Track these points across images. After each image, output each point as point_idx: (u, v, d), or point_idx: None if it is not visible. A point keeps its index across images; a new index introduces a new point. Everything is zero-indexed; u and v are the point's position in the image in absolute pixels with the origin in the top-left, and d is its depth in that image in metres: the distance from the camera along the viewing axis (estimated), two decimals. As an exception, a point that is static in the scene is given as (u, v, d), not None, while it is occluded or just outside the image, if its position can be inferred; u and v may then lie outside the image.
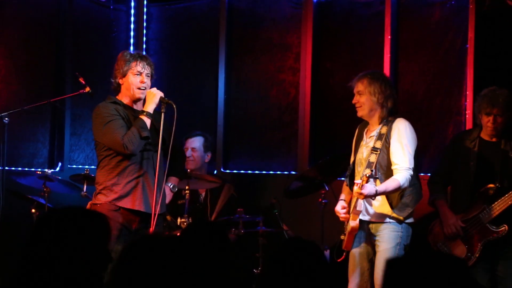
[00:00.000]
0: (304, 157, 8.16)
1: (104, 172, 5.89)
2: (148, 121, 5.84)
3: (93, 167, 8.30)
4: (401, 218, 5.85)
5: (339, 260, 6.06)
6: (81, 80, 6.52)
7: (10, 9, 7.92)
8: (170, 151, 6.04)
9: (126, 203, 5.80)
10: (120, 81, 5.98)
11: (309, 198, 7.39)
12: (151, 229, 5.70)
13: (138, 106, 6.00)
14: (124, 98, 5.99)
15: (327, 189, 6.89)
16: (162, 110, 5.88)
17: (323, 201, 6.82)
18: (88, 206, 5.97)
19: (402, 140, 5.85)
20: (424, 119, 7.68)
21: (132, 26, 8.74)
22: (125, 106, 5.96)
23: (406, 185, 5.77)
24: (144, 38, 8.76)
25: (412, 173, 5.81)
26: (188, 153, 7.74)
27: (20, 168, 7.87)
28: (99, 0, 8.58)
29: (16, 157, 7.85)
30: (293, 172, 8.21)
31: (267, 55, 8.46)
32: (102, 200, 5.83)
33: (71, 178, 7.39)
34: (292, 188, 7.19)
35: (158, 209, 5.80)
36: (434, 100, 7.68)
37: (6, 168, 6.76)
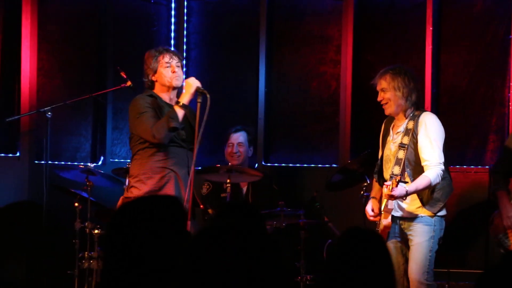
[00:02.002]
0: (346, 149, 8.14)
1: (137, 165, 5.92)
2: (180, 112, 5.81)
3: (134, 160, 8.35)
4: (433, 214, 5.80)
5: None
6: (123, 74, 6.56)
7: (52, 4, 7.99)
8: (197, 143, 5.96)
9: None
10: (153, 78, 5.98)
11: (350, 191, 7.36)
12: (188, 216, 5.69)
13: (173, 101, 5.98)
14: (161, 94, 6.00)
15: (368, 181, 6.86)
16: (198, 100, 5.85)
17: (365, 194, 6.79)
18: (120, 201, 6.00)
19: (430, 135, 5.78)
20: (467, 110, 7.61)
21: (172, 20, 8.77)
22: (161, 100, 5.96)
23: (437, 180, 5.72)
24: (185, 32, 8.78)
25: (443, 167, 5.75)
26: (235, 148, 7.71)
27: (63, 162, 7.94)
28: (140, -6, 8.62)
29: (59, 151, 7.92)
30: (335, 165, 8.18)
31: (308, 48, 8.44)
32: (135, 193, 5.84)
33: (113, 172, 7.43)
34: (333, 181, 7.17)
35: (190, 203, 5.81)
36: (477, 92, 7.61)
37: (49, 162, 6.82)
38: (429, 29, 7.76)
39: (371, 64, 8.12)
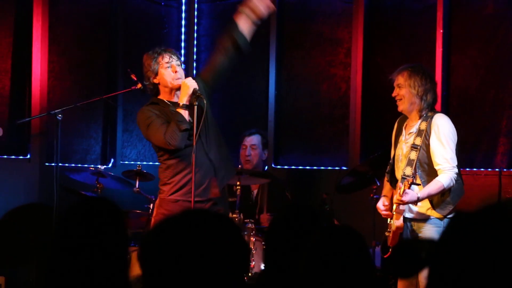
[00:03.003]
0: (355, 152, 8.13)
1: (161, 169, 5.98)
2: (185, 113, 5.78)
3: (144, 163, 8.37)
4: (442, 216, 5.79)
5: (385, 256, 6.03)
6: (133, 77, 6.57)
7: (63, 6, 8.01)
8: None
9: (183, 195, 5.85)
10: (155, 81, 5.93)
11: (360, 193, 7.36)
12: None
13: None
14: (164, 95, 5.96)
15: (378, 184, 6.86)
16: (194, 103, 5.82)
17: (375, 196, 6.79)
18: (158, 201, 6.03)
19: (442, 138, 5.77)
20: (477, 113, 7.60)
21: (183, 22, 8.78)
22: (165, 103, 5.94)
23: (451, 185, 5.70)
24: (195, 34, 8.79)
25: (457, 171, 5.73)
26: (248, 151, 7.72)
27: (73, 164, 7.97)
28: (150, -3, 8.64)
29: (70, 153, 7.95)
30: (344, 167, 8.18)
31: (318, 50, 8.44)
32: (162, 196, 5.90)
33: (124, 174, 7.45)
34: (343, 183, 7.16)
35: (216, 192, 5.85)
36: (487, 94, 7.60)
37: (60, 164, 6.84)
38: (439, 31, 7.75)
39: (381, 67, 8.11)
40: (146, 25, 8.61)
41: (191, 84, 5.83)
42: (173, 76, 5.89)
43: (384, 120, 7.99)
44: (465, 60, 7.74)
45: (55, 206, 6.55)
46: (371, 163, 6.92)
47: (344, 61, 8.30)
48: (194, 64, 8.69)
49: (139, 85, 6.56)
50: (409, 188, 5.59)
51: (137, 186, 7.31)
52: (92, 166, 7.81)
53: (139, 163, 8.05)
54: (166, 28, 8.72)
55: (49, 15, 7.80)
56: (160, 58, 5.91)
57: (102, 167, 7.41)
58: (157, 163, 8.55)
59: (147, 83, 5.98)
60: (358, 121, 8.14)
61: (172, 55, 5.94)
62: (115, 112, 8.24)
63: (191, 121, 5.82)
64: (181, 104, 5.80)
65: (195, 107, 5.79)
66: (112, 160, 8.23)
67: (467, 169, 7.44)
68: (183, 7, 8.80)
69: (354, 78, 8.15)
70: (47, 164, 7.68)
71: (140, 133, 8.40)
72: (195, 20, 8.77)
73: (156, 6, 8.66)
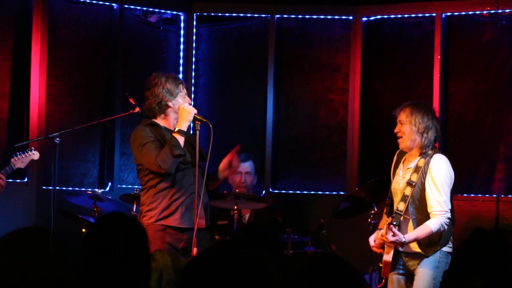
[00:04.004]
0: (353, 177, 8.13)
1: (148, 194, 5.87)
2: (181, 139, 5.74)
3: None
4: (428, 254, 5.77)
5: (379, 286, 6.01)
6: (131, 101, 6.56)
7: (62, 30, 8.03)
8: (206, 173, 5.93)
9: (171, 222, 5.79)
10: (170, 103, 5.91)
11: (358, 219, 7.35)
12: (193, 243, 5.68)
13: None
14: (166, 120, 5.93)
15: (376, 209, 6.85)
16: (197, 128, 5.82)
17: (372, 222, 6.77)
18: None
19: (437, 182, 5.74)
20: (475, 139, 7.61)
21: (181, 46, 8.79)
22: (165, 128, 5.92)
23: (440, 230, 5.67)
24: (194, 59, 8.80)
25: (449, 215, 5.70)
26: (243, 178, 7.71)
27: (70, 188, 7.95)
28: (149, 21, 8.65)
29: (67, 177, 7.93)
30: (342, 193, 8.17)
31: (316, 75, 8.46)
32: (147, 221, 5.81)
33: (121, 198, 7.43)
34: (341, 209, 7.15)
35: (202, 223, 5.80)
36: (485, 120, 7.61)
37: (57, 188, 6.82)
38: (437, 57, 7.78)
39: (379, 92, 8.13)
40: (145, 49, 8.62)
41: (191, 109, 5.81)
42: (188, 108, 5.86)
43: (382, 145, 8.00)
44: (463, 86, 7.77)
45: (52, 230, 6.53)
46: (368, 188, 6.91)
47: (342, 86, 8.32)
48: (192, 89, 8.70)
49: (137, 109, 6.55)
50: (388, 227, 5.60)
51: (134, 209, 7.29)
52: (90, 189, 7.80)
53: (136, 187, 8.01)
54: (164, 53, 8.73)
55: (48, 39, 7.82)
56: (182, 86, 5.91)
57: (100, 191, 7.40)
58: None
59: (155, 102, 5.91)
60: (356, 147, 8.14)
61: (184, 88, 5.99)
62: (113, 136, 8.23)
63: (190, 147, 5.83)
64: (176, 129, 5.78)
65: (197, 132, 5.79)
66: (110, 184, 8.21)
67: (465, 194, 7.44)
68: (182, 32, 8.81)
69: (352, 104, 8.16)
70: (44, 187, 7.66)
71: (138, 157, 8.42)
72: (194, 44, 8.78)
73: (155, 31, 8.68)
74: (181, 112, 5.81)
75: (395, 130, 5.91)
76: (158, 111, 5.91)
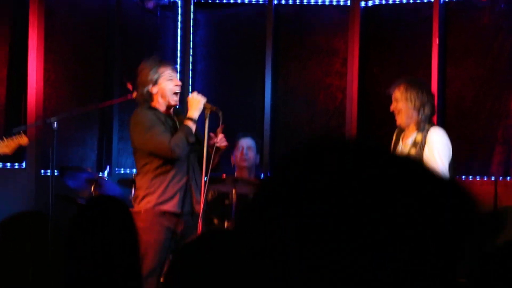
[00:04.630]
0: (351, 162, 8.13)
1: (145, 179, 5.82)
2: (193, 128, 5.74)
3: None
4: None
5: None
6: (129, 86, 6.55)
7: (59, 15, 8.01)
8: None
9: (170, 207, 5.77)
10: (152, 90, 5.84)
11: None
12: (199, 230, 5.68)
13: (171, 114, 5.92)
14: (158, 106, 5.87)
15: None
16: (206, 117, 5.80)
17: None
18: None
19: (435, 153, 5.76)
20: (473, 123, 7.61)
21: (179, 32, 8.78)
22: (161, 113, 5.86)
23: None
24: (191, 44, 8.79)
25: None
26: (245, 151, 7.67)
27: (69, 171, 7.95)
28: (146, 7, 8.63)
29: (65, 161, 7.93)
30: (340, 178, 8.16)
31: (314, 60, 8.45)
32: (145, 206, 5.79)
33: (119, 182, 7.44)
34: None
35: (198, 208, 5.79)
36: (484, 105, 7.61)
37: (56, 172, 6.82)
38: (435, 42, 7.77)
39: (377, 77, 8.12)
40: (142, 34, 8.61)
41: (201, 98, 5.76)
42: (175, 89, 5.80)
43: (380, 130, 7.99)
44: (462, 71, 7.76)
45: (51, 214, 6.53)
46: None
47: (340, 71, 8.31)
48: (190, 74, 8.69)
49: (135, 94, 6.55)
50: None
51: (132, 194, 7.29)
52: (89, 167, 7.79)
53: (135, 170, 8.02)
54: (162, 38, 8.72)
55: (45, 24, 7.80)
56: (162, 68, 5.83)
57: (99, 175, 7.40)
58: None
59: (141, 91, 5.87)
60: (354, 132, 8.14)
61: (173, 70, 5.89)
62: (111, 121, 8.23)
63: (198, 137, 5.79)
64: (191, 118, 5.73)
65: (207, 121, 5.75)
66: (108, 167, 8.21)
67: (463, 177, 7.45)
68: (179, 18, 8.80)
69: (350, 88, 8.16)
70: (42, 172, 7.66)
71: (136, 142, 8.41)
72: (191, 30, 8.77)
73: (152, 17, 8.66)
74: (190, 101, 5.78)
75: (391, 108, 5.92)
76: (147, 98, 5.85)
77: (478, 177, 7.10)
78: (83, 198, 7.25)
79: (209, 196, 7.55)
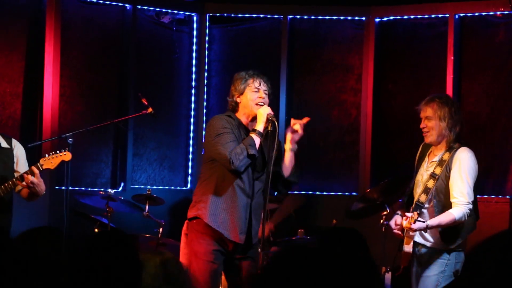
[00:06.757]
0: (366, 178, 8.12)
1: (204, 186, 5.70)
2: (257, 140, 5.59)
3: (154, 187, 8.36)
4: (449, 248, 5.73)
5: (397, 274, 5.99)
6: (144, 101, 6.57)
7: (75, 31, 8.05)
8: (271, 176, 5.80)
9: (220, 229, 5.66)
10: (238, 99, 5.76)
11: (370, 220, 7.33)
12: (259, 262, 5.58)
13: (251, 127, 5.86)
14: (241, 116, 5.78)
15: (388, 210, 6.84)
16: (269, 129, 5.65)
17: (385, 223, 6.76)
18: (185, 225, 5.82)
19: (463, 173, 5.69)
20: (488, 140, 7.58)
21: (194, 47, 8.81)
22: (240, 123, 5.80)
23: (462, 219, 5.62)
24: (206, 60, 8.82)
25: (471, 207, 5.66)
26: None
27: (83, 188, 7.97)
28: (162, 22, 8.67)
29: (80, 177, 7.95)
30: (354, 193, 8.16)
31: (329, 76, 8.46)
32: (197, 212, 5.66)
33: (134, 198, 7.44)
34: (353, 209, 7.14)
35: (242, 239, 5.63)
36: (498, 121, 7.59)
37: (70, 188, 6.83)
38: (450, 58, 7.76)
39: (392, 93, 8.12)
40: (158, 50, 8.64)
41: (265, 110, 5.68)
42: (257, 101, 5.75)
43: (394, 146, 7.98)
44: (476, 87, 7.75)
45: (65, 230, 6.54)
46: (381, 189, 6.90)
47: (354, 87, 8.31)
48: (205, 89, 8.71)
49: (150, 110, 6.56)
50: (414, 223, 5.54)
51: (146, 210, 7.30)
52: (102, 190, 7.81)
53: (149, 187, 8.04)
54: (177, 53, 8.75)
55: (61, 39, 7.84)
56: (250, 80, 5.80)
57: (112, 191, 7.40)
58: (167, 187, 8.59)
59: (230, 99, 5.87)
60: (369, 147, 8.13)
61: (263, 83, 5.84)
62: (126, 136, 8.25)
63: (258, 152, 5.69)
64: (256, 130, 5.67)
65: (269, 132, 5.65)
66: (122, 184, 8.23)
67: (478, 196, 7.41)
68: (194, 32, 8.83)
69: (364, 104, 8.16)
70: (57, 187, 7.68)
71: (150, 157, 8.43)
72: (206, 45, 8.79)
73: (168, 31, 8.70)
74: (257, 115, 5.74)
75: (421, 126, 5.79)
76: (234, 107, 5.84)
77: (493, 196, 7.07)
78: (98, 215, 7.26)
79: (267, 232, 7.42)
